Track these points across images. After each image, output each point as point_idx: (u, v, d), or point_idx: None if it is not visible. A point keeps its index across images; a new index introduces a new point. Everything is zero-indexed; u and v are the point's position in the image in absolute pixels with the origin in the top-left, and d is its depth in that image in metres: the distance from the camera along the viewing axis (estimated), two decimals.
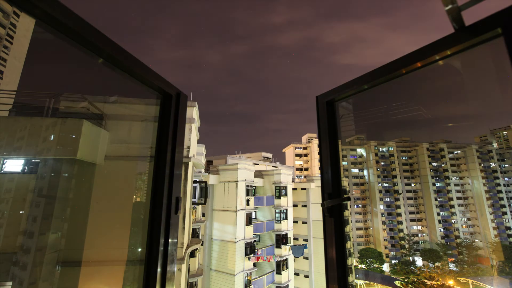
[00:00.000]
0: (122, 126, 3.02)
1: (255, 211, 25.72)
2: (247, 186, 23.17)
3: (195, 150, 14.33)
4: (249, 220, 22.72)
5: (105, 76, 1.47)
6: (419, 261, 56.72)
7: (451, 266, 53.99)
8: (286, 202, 26.27)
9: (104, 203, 2.68)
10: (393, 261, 57.93)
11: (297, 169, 75.36)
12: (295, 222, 30.25)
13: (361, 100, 1.76)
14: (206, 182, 15.57)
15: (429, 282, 41.33)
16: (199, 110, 14.22)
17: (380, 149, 70.06)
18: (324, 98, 1.80)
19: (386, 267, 56.22)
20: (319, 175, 1.76)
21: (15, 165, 2.80)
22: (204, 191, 15.17)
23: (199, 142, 17.38)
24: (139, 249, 2.09)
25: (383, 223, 63.97)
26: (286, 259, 25.11)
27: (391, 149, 69.66)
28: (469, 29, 1.07)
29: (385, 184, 67.41)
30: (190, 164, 12.10)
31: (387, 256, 59.66)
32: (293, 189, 31.07)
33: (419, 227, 65.87)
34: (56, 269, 2.65)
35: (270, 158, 55.16)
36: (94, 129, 2.84)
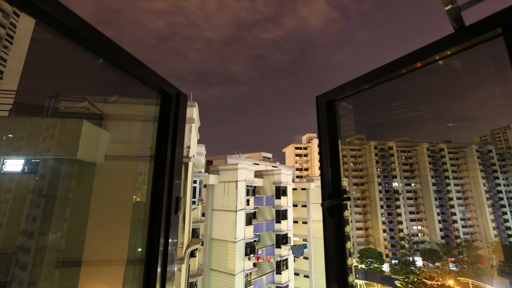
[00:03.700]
0: (122, 126, 3.02)
1: (255, 211, 25.72)
2: (247, 186, 23.16)
3: (195, 150, 14.33)
4: (249, 220, 22.72)
5: (105, 76, 1.47)
6: (419, 261, 56.72)
7: (451, 266, 53.99)
8: (286, 202, 26.27)
9: (104, 203, 2.67)
10: (393, 261, 57.92)
11: (297, 169, 75.36)
12: (295, 222, 30.25)
13: (361, 100, 1.76)
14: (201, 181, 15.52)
15: (429, 282, 41.32)
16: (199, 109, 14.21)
17: (380, 149, 70.05)
18: (324, 98, 1.80)
19: (386, 267, 56.23)
20: (319, 175, 1.76)
21: (15, 165, 2.80)
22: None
23: (199, 142, 17.38)
24: (139, 249, 2.09)
25: (383, 223, 63.97)
26: (286, 259, 25.11)
27: (391, 149, 69.67)
28: (469, 29, 1.07)
29: (385, 184, 67.41)
30: (190, 164, 12.10)
31: (387, 256, 59.67)
32: (293, 189, 31.07)
33: (419, 227, 65.88)
34: (56, 269, 2.65)
35: (270, 158, 55.16)
36: (94, 129, 2.84)
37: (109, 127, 2.89)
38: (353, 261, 51.10)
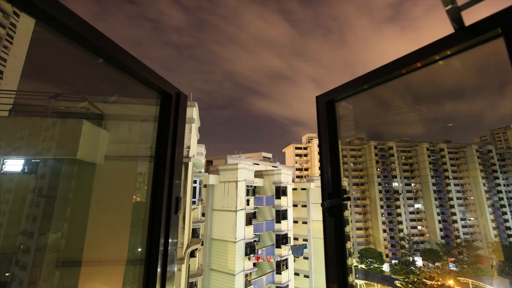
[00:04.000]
0: (122, 126, 3.02)
1: (255, 211, 25.73)
2: (247, 186, 23.16)
3: (195, 150, 14.33)
4: (249, 220, 22.72)
5: (105, 76, 1.47)
6: (419, 261, 56.72)
7: (451, 266, 53.99)
8: (286, 202, 26.26)
9: (104, 203, 2.67)
10: (393, 261, 57.92)
11: (297, 169, 75.37)
12: (295, 222, 30.24)
13: (361, 100, 1.76)
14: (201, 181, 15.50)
15: (429, 282, 41.33)
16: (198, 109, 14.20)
17: (380, 149, 70.05)
18: (324, 98, 1.80)
19: (386, 267, 56.21)
20: (319, 175, 1.76)
21: (15, 165, 2.80)
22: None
23: (199, 142, 17.38)
24: (139, 249, 2.09)
25: (383, 223, 63.96)
26: (286, 259, 25.10)
27: (391, 149, 69.67)
28: (469, 29, 1.07)
29: (385, 184, 67.41)
30: (190, 164, 12.10)
31: (387, 256, 59.66)
32: (293, 189, 31.07)
33: (419, 227, 65.88)
34: (56, 269, 2.65)
35: (270, 158, 55.16)
36: (94, 129, 2.84)
37: (109, 127, 2.88)
38: (353, 261, 51.10)
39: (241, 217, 21.90)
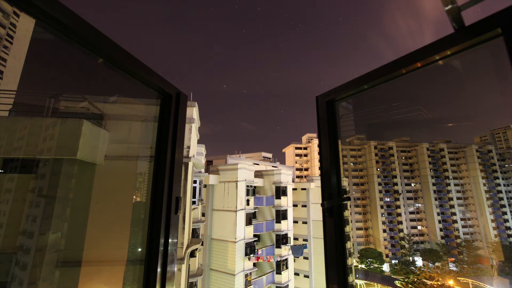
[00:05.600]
0: (122, 126, 3.02)
1: (255, 211, 25.72)
2: (247, 186, 23.17)
3: (195, 150, 14.33)
4: (249, 220, 22.73)
5: (105, 76, 1.47)
6: (419, 261, 56.73)
7: (451, 266, 54.00)
8: (286, 202, 26.27)
9: (104, 203, 2.68)
10: (393, 261, 57.93)
11: (297, 169, 75.37)
12: (295, 222, 30.25)
13: (361, 100, 1.76)
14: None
15: (429, 282, 41.33)
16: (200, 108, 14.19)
17: (380, 149, 70.07)
18: (324, 98, 1.80)
19: (386, 267, 56.22)
20: (319, 175, 1.76)
21: (15, 165, 2.80)
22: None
23: (199, 142, 17.38)
24: (139, 249, 2.09)
25: (383, 223, 63.98)
26: (286, 259, 25.11)
27: (391, 149, 69.68)
28: (469, 29, 1.07)
29: (385, 184, 67.42)
30: (190, 164, 12.10)
31: (387, 256, 59.67)
32: (293, 189, 31.07)
33: (419, 227, 65.90)
34: (56, 269, 2.65)
35: (270, 158, 55.17)
36: (94, 129, 2.84)
37: (109, 127, 2.89)
38: (353, 261, 51.07)
39: (241, 217, 21.90)
